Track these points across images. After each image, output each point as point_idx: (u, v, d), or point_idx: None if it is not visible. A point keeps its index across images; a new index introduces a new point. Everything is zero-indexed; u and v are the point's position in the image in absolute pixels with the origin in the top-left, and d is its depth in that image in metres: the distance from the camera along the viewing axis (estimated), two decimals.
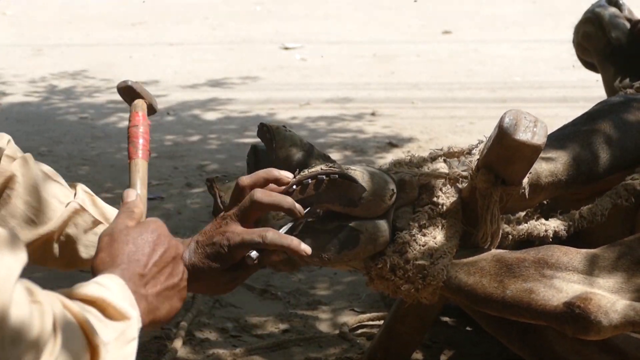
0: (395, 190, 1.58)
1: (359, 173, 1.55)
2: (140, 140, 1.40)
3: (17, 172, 1.59)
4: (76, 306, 1.04)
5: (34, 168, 1.62)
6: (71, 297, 1.08)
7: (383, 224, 1.59)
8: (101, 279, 1.15)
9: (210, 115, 5.38)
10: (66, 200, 1.60)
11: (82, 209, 1.59)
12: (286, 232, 1.43)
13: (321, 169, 1.54)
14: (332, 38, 8.37)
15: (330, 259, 1.56)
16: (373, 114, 5.43)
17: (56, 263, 1.63)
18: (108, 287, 1.12)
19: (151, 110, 1.50)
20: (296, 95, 5.98)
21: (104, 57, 7.40)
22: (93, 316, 1.06)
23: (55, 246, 1.60)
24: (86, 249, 1.60)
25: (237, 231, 1.38)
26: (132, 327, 1.13)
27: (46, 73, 6.96)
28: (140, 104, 1.47)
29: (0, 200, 1.58)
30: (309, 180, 1.53)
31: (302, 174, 1.54)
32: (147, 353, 2.46)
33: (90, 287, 1.10)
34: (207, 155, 4.51)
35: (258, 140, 1.74)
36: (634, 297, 1.48)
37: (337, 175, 1.52)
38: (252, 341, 2.55)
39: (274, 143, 1.65)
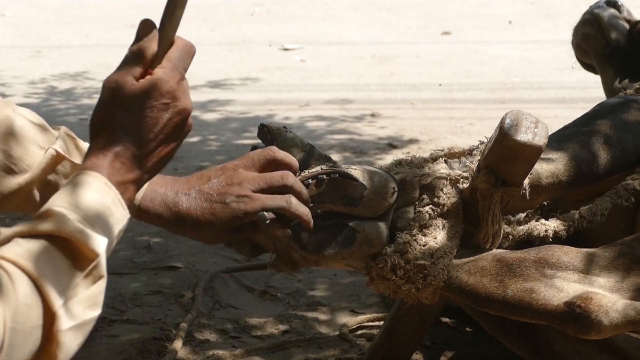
0: (396, 189, 1.59)
1: (359, 172, 1.56)
2: None
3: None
4: (30, 264, 1.02)
5: (12, 114, 1.54)
6: (37, 233, 1.06)
7: (381, 226, 1.60)
8: (83, 183, 1.10)
9: (210, 116, 5.38)
10: (47, 145, 1.53)
11: (60, 156, 1.53)
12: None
13: (321, 169, 1.55)
14: (331, 39, 8.38)
15: (325, 256, 1.57)
16: (372, 115, 5.43)
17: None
18: (84, 204, 1.08)
19: None
20: (296, 97, 5.98)
21: (103, 58, 7.40)
22: (53, 267, 1.04)
23: (36, 194, 1.54)
24: None
25: (256, 196, 1.33)
26: (101, 264, 1.10)
27: (46, 74, 6.96)
28: None
29: None
30: (310, 180, 1.53)
31: (302, 174, 1.55)
32: (147, 354, 2.46)
33: (62, 219, 1.06)
34: (207, 157, 4.51)
35: (258, 141, 1.74)
36: (635, 297, 1.48)
37: (337, 175, 1.52)
38: (251, 342, 2.55)
39: (274, 144, 1.65)
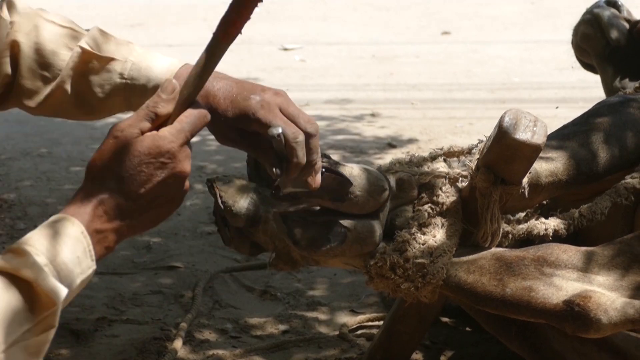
0: (386, 188, 1.59)
1: (347, 169, 1.57)
2: (230, 16, 1.20)
3: (18, 35, 1.54)
4: None
5: (41, 23, 1.56)
6: (2, 269, 1.05)
7: (373, 224, 1.60)
8: (60, 229, 1.11)
9: None
10: (74, 44, 1.54)
11: (88, 51, 1.53)
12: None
13: None
14: (331, 39, 8.38)
15: (317, 253, 1.58)
16: (372, 115, 5.43)
17: (76, 113, 1.58)
18: (55, 250, 1.09)
19: None
20: (295, 96, 5.95)
21: None
22: (8, 308, 1.04)
23: (71, 95, 1.55)
24: (101, 88, 1.53)
25: (277, 113, 1.37)
26: (55, 315, 1.10)
27: None
28: None
29: (17, 71, 1.54)
30: None
31: None
32: (147, 354, 2.47)
33: (29, 261, 1.07)
34: (206, 157, 4.51)
35: None
36: (634, 295, 1.49)
37: (324, 170, 1.53)
38: (251, 342, 2.55)
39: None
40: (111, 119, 5.79)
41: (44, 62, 1.54)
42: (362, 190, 1.56)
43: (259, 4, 1.21)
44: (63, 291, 1.10)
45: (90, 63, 1.54)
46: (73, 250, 1.12)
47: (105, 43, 1.55)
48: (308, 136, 1.40)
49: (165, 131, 1.20)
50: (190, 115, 1.23)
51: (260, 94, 1.42)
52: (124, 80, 1.54)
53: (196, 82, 1.23)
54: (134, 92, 1.54)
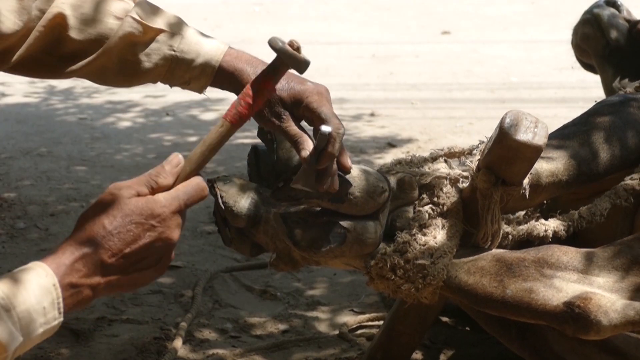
0: (386, 189, 1.59)
1: None
2: (242, 103, 1.29)
3: (64, 6, 1.55)
4: None
5: None
6: None
7: (372, 226, 1.60)
8: (31, 277, 1.11)
9: (209, 116, 5.38)
10: (124, 15, 1.55)
11: (139, 21, 1.54)
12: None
13: None
14: (331, 39, 8.38)
15: (318, 254, 1.58)
16: (372, 115, 5.43)
17: (115, 80, 1.60)
18: (20, 298, 1.09)
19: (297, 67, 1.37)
20: None
21: None
22: None
23: (115, 62, 1.56)
24: (148, 58, 1.55)
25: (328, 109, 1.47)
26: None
27: None
28: (279, 69, 1.33)
29: (61, 42, 1.55)
30: None
31: (292, 169, 1.56)
32: (147, 354, 2.47)
33: None
34: None
35: (258, 140, 1.74)
36: (634, 297, 1.49)
37: None
38: (251, 341, 2.55)
39: (274, 144, 1.65)
40: (110, 119, 5.78)
41: (92, 33, 1.55)
42: (361, 191, 1.56)
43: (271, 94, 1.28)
44: (17, 340, 1.09)
45: (139, 34, 1.55)
46: (40, 300, 1.13)
47: (154, 14, 1.57)
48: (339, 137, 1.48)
49: (160, 196, 1.21)
50: (188, 185, 1.24)
51: (312, 82, 1.52)
52: (173, 52, 1.55)
53: (200, 161, 1.27)
54: (180, 65, 1.56)
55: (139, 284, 1.22)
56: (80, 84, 6.56)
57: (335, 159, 1.51)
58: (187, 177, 1.25)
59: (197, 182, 1.25)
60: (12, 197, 3.79)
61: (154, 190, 1.21)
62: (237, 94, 1.48)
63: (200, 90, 1.59)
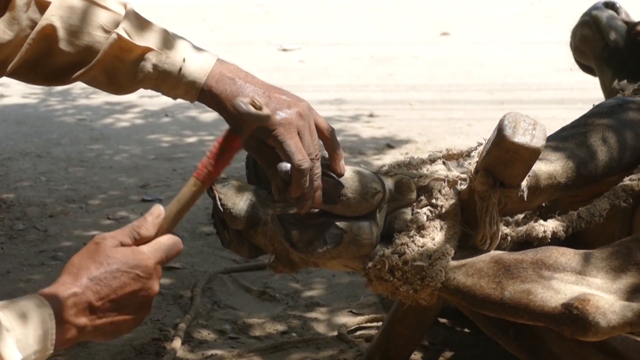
0: (379, 190, 1.59)
1: None
2: (212, 163, 1.38)
3: (53, 18, 1.57)
4: None
5: (75, 2, 1.60)
6: None
7: (369, 226, 1.60)
8: (30, 304, 1.14)
9: (207, 117, 5.39)
10: (113, 27, 1.58)
11: (125, 39, 1.56)
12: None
13: None
14: (330, 40, 8.38)
15: (315, 255, 1.58)
16: (371, 116, 5.43)
17: (105, 89, 1.63)
18: (19, 321, 1.12)
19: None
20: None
21: None
22: None
23: (103, 76, 1.59)
24: (134, 74, 1.58)
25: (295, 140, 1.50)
26: None
27: None
28: (238, 125, 1.37)
29: (51, 54, 1.57)
30: None
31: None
32: (146, 355, 2.47)
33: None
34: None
35: None
36: (632, 298, 1.49)
37: None
38: (250, 343, 2.55)
39: None
40: (108, 120, 5.78)
41: (81, 45, 1.58)
42: (354, 192, 1.57)
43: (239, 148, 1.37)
44: (17, 358, 1.12)
45: (125, 50, 1.57)
46: (37, 328, 1.15)
47: (142, 29, 1.59)
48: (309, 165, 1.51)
49: (144, 247, 1.26)
50: (169, 240, 1.29)
51: (285, 110, 1.52)
52: (158, 71, 1.58)
53: (176, 218, 1.33)
54: (166, 82, 1.59)
55: (120, 331, 1.26)
56: (78, 85, 6.56)
57: (332, 162, 1.57)
58: (166, 229, 1.32)
59: (175, 239, 1.31)
60: (11, 198, 3.79)
61: (137, 241, 1.26)
62: (220, 114, 1.56)
63: (191, 101, 1.61)
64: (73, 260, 1.22)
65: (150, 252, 1.25)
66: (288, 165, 1.49)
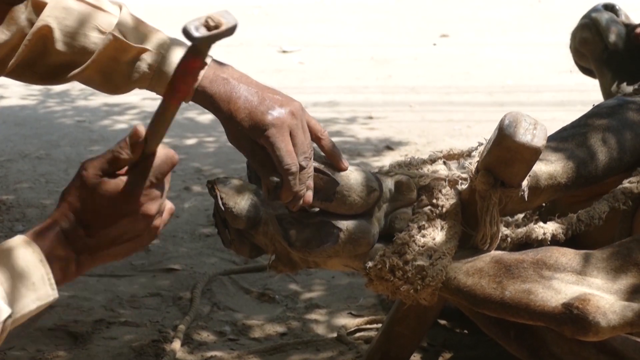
0: (375, 188, 1.59)
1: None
2: (173, 82, 1.25)
3: (49, 19, 1.57)
4: None
5: (70, 3, 1.60)
6: None
7: (367, 225, 1.60)
8: (18, 254, 1.12)
9: (206, 118, 5.39)
10: (109, 28, 1.58)
11: (120, 40, 1.57)
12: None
13: None
14: (330, 41, 8.39)
15: (312, 254, 1.58)
16: (370, 117, 5.44)
17: (101, 89, 1.64)
18: (7, 274, 1.10)
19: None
20: (294, 98, 5.98)
21: None
22: None
23: (98, 76, 1.60)
24: (129, 74, 1.59)
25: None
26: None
27: None
28: (199, 49, 1.24)
29: (46, 54, 1.58)
30: None
31: None
32: (145, 356, 2.47)
33: None
34: (204, 159, 4.52)
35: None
36: (632, 298, 1.49)
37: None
38: (249, 344, 2.55)
39: None
40: (107, 121, 5.77)
41: (76, 46, 1.58)
42: (349, 190, 1.57)
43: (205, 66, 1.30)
44: (5, 311, 1.10)
45: (121, 51, 1.58)
46: (27, 276, 1.13)
47: (136, 30, 1.60)
48: (300, 168, 1.51)
49: (131, 176, 1.22)
50: (157, 159, 1.27)
51: (278, 110, 1.53)
52: (153, 71, 1.59)
53: (157, 136, 1.29)
54: (161, 82, 1.59)
55: (127, 253, 1.24)
56: (76, 86, 6.56)
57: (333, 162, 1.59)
58: (150, 148, 1.27)
59: (164, 153, 1.28)
60: (10, 200, 3.79)
61: (119, 165, 1.21)
62: (215, 114, 1.58)
63: (186, 102, 1.61)
64: (68, 188, 1.20)
65: (135, 181, 1.21)
66: (275, 178, 1.51)
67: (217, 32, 1.23)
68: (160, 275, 3.00)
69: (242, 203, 1.62)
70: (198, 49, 1.23)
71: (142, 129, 1.25)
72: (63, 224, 1.17)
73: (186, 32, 1.21)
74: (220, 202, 1.61)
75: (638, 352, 1.70)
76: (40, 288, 1.14)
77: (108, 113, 5.64)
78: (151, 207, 1.24)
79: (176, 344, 2.48)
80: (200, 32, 1.21)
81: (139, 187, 1.22)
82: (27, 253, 1.14)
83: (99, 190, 1.18)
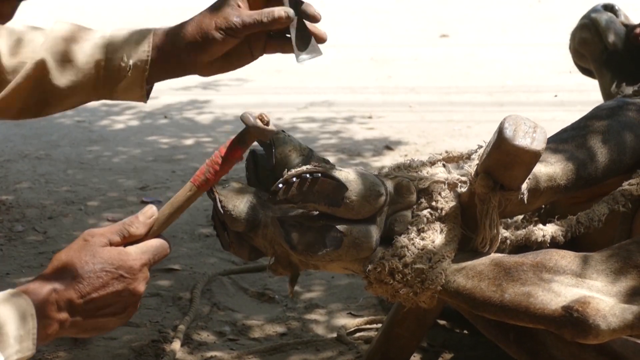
0: (382, 192, 1.59)
1: (343, 173, 1.57)
2: (210, 170, 1.40)
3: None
4: None
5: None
6: None
7: (369, 230, 1.60)
8: (13, 301, 1.14)
9: (205, 119, 5.39)
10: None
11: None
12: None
13: (306, 168, 1.56)
14: (329, 41, 8.36)
15: (314, 257, 1.58)
16: (370, 117, 5.43)
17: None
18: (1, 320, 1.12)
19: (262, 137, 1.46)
20: (294, 99, 5.99)
21: None
22: None
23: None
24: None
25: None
26: None
27: None
28: (246, 140, 1.43)
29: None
30: (294, 179, 1.55)
31: (288, 173, 1.56)
32: (145, 357, 2.47)
33: None
34: (204, 159, 4.51)
35: (256, 144, 1.74)
36: (632, 300, 1.49)
37: (319, 174, 1.54)
38: (249, 344, 2.55)
39: (273, 148, 1.65)
40: (106, 122, 5.76)
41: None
42: (357, 195, 1.56)
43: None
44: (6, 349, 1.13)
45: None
46: (18, 327, 1.15)
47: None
48: None
49: (131, 249, 1.26)
50: (157, 242, 1.30)
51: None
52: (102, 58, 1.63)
53: (167, 221, 1.35)
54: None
55: (102, 329, 1.27)
56: None
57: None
58: (154, 233, 1.32)
59: (163, 242, 1.32)
60: (10, 200, 3.79)
61: (126, 239, 1.27)
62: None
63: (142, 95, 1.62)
64: (59, 255, 1.22)
65: (136, 254, 1.26)
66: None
67: (268, 128, 1.38)
68: (160, 275, 3.00)
69: (241, 206, 1.62)
70: (245, 139, 1.39)
71: (155, 209, 1.32)
72: (57, 284, 1.19)
73: (245, 120, 1.38)
74: (219, 205, 1.61)
75: (638, 354, 1.70)
76: (24, 341, 1.16)
77: (107, 113, 5.64)
78: (142, 287, 1.27)
79: (176, 344, 2.48)
80: (257, 123, 1.38)
81: (140, 261, 1.26)
82: (22, 306, 1.17)
83: (103, 255, 1.22)
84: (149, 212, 1.30)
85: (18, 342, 1.14)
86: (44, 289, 1.18)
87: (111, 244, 1.24)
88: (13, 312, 1.14)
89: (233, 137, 1.42)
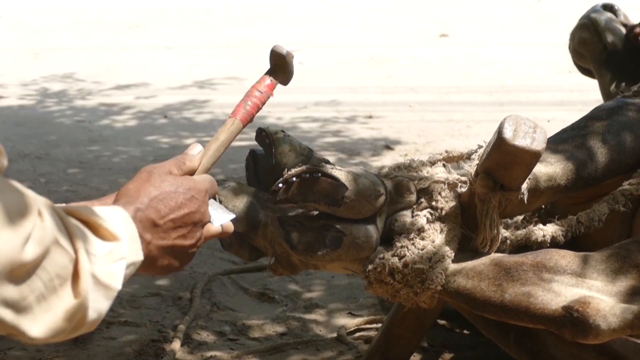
0: (382, 192, 1.59)
1: (343, 173, 1.57)
2: (249, 103, 1.40)
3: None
4: (68, 219, 1.06)
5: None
6: (67, 212, 1.09)
7: (369, 229, 1.60)
8: (108, 210, 1.13)
9: (204, 118, 5.39)
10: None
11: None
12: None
13: (306, 168, 1.56)
14: (329, 41, 8.38)
15: (314, 257, 1.58)
16: (369, 117, 5.43)
17: None
18: (108, 217, 1.11)
19: (282, 81, 1.49)
20: (294, 99, 5.98)
21: (101, 61, 7.40)
22: (82, 231, 1.06)
23: None
24: None
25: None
26: (121, 247, 1.11)
27: (42, 76, 6.95)
28: (278, 73, 1.48)
29: None
30: (294, 179, 1.54)
31: (288, 173, 1.56)
32: (145, 356, 2.47)
33: (87, 211, 1.10)
34: None
35: (256, 144, 1.74)
36: (632, 300, 1.49)
37: (319, 174, 1.54)
38: (249, 344, 2.55)
39: (273, 148, 1.65)
40: (106, 121, 5.74)
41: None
42: (357, 194, 1.56)
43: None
44: (124, 234, 1.12)
45: None
46: (124, 226, 1.14)
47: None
48: None
49: (196, 177, 1.27)
50: (208, 176, 1.30)
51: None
52: None
53: (214, 156, 1.35)
54: None
55: (179, 261, 1.25)
56: (73, 87, 6.56)
57: None
58: (204, 170, 1.32)
59: (211, 177, 1.31)
60: None
61: (183, 172, 1.26)
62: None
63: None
64: (128, 186, 1.21)
65: (202, 182, 1.26)
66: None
67: (295, 49, 1.43)
68: (160, 275, 3.00)
69: (240, 206, 1.62)
70: (276, 72, 1.46)
71: (200, 146, 1.31)
72: (137, 205, 1.17)
73: (279, 49, 1.47)
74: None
75: (638, 354, 1.70)
76: (133, 243, 1.14)
77: (107, 113, 5.64)
78: (207, 212, 1.26)
79: (176, 344, 2.48)
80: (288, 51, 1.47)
81: (204, 186, 1.25)
82: (129, 224, 1.15)
83: (174, 179, 1.21)
84: (197, 148, 1.30)
85: (127, 242, 1.13)
86: (129, 208, 1.16)
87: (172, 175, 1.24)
88: (113, 213, 1.13)
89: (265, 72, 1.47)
